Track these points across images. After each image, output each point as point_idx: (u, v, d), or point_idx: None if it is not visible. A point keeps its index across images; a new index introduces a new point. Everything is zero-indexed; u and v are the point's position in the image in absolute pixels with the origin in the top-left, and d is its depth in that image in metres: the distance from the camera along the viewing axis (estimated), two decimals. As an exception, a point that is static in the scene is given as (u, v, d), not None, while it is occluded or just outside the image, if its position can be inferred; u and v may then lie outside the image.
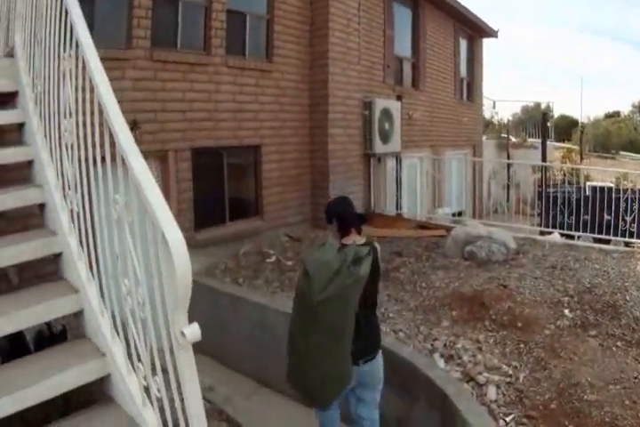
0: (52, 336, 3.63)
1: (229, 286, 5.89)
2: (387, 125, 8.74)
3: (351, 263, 2.94)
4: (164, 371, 1.87)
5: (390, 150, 9.00)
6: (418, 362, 3.92)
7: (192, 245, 6.00)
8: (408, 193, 10.23)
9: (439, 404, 3.64)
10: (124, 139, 1.95)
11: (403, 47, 10.62)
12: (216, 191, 6.89)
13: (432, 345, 4.24)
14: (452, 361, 4.00)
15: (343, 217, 3.41)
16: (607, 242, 7.76)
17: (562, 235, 8.50)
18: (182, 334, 1.67)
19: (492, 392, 3.57)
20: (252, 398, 4.94)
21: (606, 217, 9.74)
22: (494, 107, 18.27)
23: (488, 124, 20.31)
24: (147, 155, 5.87)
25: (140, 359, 2.07)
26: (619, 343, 4.32)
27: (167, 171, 6.13)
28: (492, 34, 14.25)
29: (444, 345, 4.21)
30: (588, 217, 9.60)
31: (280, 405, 4.74)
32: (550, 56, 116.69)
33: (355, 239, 3.36)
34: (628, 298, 5.04)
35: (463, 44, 13.43)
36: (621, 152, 31.14)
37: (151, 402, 2.07)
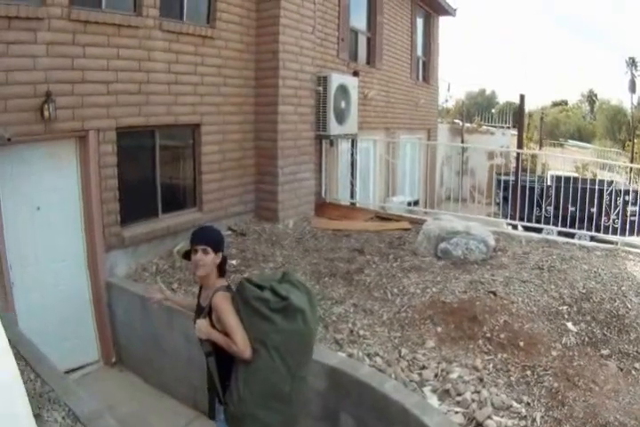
0: None
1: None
2: (343, 104, 7.78)
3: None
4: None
5: (346, 132, 8.05)
6: (406, 402, 3.05)
7: (118, 244, 4.81)
8: (360, 179, 9.34)
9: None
10: None
11: (358, 19, 9.61)
12: (146, 179, 5.77)
13: (420, 375, 3.38)
14: (449, 398, 3.16)
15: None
16: (572, 235, 7.30)
17: (525, 228, 7.94)
18: None
19: (508, 446, 2.75)
20: None
21: (570, 209, 9.32)
22: (449, 89, 17.56)
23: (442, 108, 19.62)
24: (63, 135, 4.76)
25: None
26: (637, 365, 3.62)
27: (87, 155, 5.01)
28: (450, 12, 13.45)
29: (435, 375, 3.36)
30: (551, 208, 9.15)
31: None
32: (503, 40, 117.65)
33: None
34: (629, 306, 4.40)
35: (420, 21, 12.53)
36: (569, 140, 31.36)
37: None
